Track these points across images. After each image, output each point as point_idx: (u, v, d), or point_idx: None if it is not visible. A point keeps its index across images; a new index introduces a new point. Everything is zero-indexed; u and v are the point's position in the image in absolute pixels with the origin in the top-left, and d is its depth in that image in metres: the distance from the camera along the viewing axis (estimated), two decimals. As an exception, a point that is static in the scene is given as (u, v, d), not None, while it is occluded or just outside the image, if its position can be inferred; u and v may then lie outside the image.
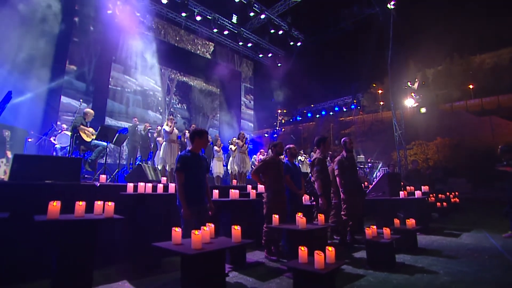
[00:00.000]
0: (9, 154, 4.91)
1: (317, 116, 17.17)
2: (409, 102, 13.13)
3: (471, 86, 28.84)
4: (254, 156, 12.45)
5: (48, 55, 9.64)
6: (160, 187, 3.94)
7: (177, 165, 3.03)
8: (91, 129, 5.70)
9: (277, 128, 17.92)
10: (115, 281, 3.07)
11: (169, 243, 2.38)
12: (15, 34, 8.69)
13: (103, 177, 3.81)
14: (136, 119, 9.01)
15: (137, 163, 9.22)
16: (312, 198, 4.46)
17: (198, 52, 14.51)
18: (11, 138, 5.05)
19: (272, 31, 14.03)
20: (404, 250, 4.01)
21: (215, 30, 13.62)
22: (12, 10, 8.65)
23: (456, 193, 10.74)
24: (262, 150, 10.49)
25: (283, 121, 20.44)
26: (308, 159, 11.12)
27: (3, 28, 8.41)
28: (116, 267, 3.48)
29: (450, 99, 26.05)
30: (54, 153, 8.16)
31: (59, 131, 8.34)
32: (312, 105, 35.07)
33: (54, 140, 8.15)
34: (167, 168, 5.91)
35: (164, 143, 6.04)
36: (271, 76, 16.13)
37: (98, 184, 3.57)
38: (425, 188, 6.30)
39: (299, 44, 15.48)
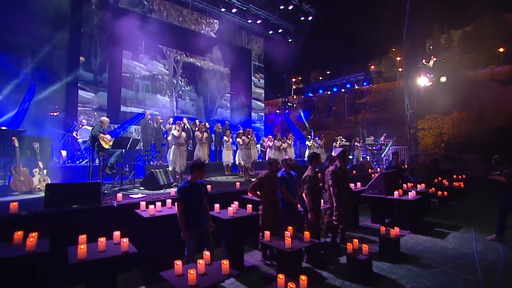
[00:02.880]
0: (41, 164, 5.60)
1: (329, 92, 16.89)
2: (423, 81, 12.68)
3: (501, 50, 26.72)
4: (264, 138, 12.87)
5: (63, 50, 10.02)
6: (168, 202, 4.52)
7: (177, 196, 3.53)
8: (108, 136, 6.27)
9: (289, 104, 17.86)
10: (135, 286, 3.80)
11: (172, 272, 2.96)
12: (32, 32, 9.09)
13: (119, 196, 4.41)
14: (147, 112, 9.51)
15: (152, 151, 9.90)
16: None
17: (202, 31, 14.30)
18: (40, 149, 5.71)
19: (282, 7, 13.48)
20: (386, 257, 4.48)
21: (222, 10, 13.27)
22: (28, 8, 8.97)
23: (463, 176, 10.85)
24: (270, 136, 10.84)
25: (294, 97, 20.20)
26: (316, 142, 11.35)
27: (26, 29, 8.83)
28: (135, 270, 4.20)
29: (476, 65, 24.41)
30: (78, 147, 8.96)
31: (80, 125, 9.04)
32: (326, 76, 34.07)
33: (76, 134, 8.89)
34: (177, 169, 6.48)
35: (173, 146, 6.53)
36: (281, 52, 15.77)
37: (116, 205, 4.18)
38: (421, 186, 6.57)
39: (310, 18, 14.82)
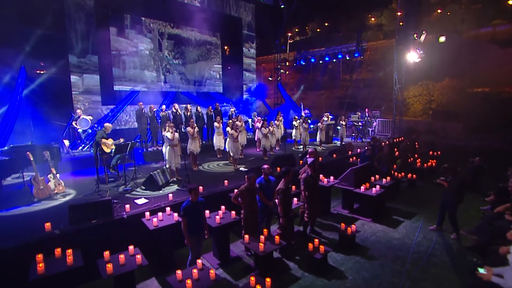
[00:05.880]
0: (54, 170, 6.64)
1: (321, 62, 17.10)
2: (412, 56, 13.08)
3: (511, 2, 25.71)
4: (254, 113, 13.75)
5: (50, 34, 10.24)
6: (168, 209, 5.73)
7: (181, 212, 4.71)
8: (110, 141, 7.22)
9: (282, 70, 18.16)
10: (147, 278, 5.20)
11: (174, 278, 4.27)
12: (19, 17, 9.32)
13: (127, 207, 5.59)
14: (141, 103, 10.20)
15: (148, 134, 10.84)
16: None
17: (185, 0, 13.97)
18: (51, 156, 6.69)
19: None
20: (342, 248, 5.87)
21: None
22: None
23: (438, 152, 12.09)
24: (259, 118, 11.73)
25: (287, 63, 20.24)
26: (309, 114, 12.27)
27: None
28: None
29: (480, 21, 23.88)
30: (78, 136, 9.89)
31: (78, 116, 9.85)
32: (324, 28, 32.95)
33: (76, 124, 9.75)
34: (173, 167, 7.59)
35: (168, 147, 7.52)
36: (273, 19, 15.60)
37: (126, 216, 5.39)
38: (386, 180, 7.79)
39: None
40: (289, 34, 31.84)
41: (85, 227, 5.00)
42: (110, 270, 4.10)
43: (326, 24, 33.04)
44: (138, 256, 4.41)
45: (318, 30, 34.25)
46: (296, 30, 35.36)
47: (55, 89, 10.72)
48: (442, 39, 21.72)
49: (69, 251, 4.33)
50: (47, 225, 4.77)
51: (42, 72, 10.66)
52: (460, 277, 4.91)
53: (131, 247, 4.61)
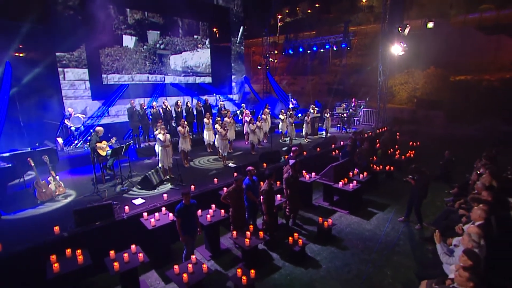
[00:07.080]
0: (53, 173, 7.23)
1: (309, 52, 17.50)
2: (396, 49, 13.66)
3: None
4: (243, 105, 14.32)
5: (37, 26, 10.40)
6: (163, 209, 6.47)
7: (175, 214, 5.45)
8: (104, 143, 7.79)
9: (271, 59, 18.52)
10: (147, 271, 6.00)
11: (172, 271, 5.07)
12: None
13: (126, 209, 6.29)
14: (132, 101, 10.63)
15: (141, 135, 11.38)
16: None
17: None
18: (50, 160, 7.25)
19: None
20: (320, 240, 6.76)
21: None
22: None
23: (418, 143, 13.00)
24: (248, 112, 12.32)
25: (279, 42, 20.43)
26: (297, 105, 12.91)
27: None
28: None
29: (468, 6, 24.35)
30: (71, 133, 10.38)
31: (70, 114, 10.29)
32: (314, 9, 32.87)
33: (68, 122, 10.21)
34: (165, 166, 8.25)
35: (160, 148, 8.13)
36: (262, 8, 15.79)
37: (126, 217, 6.11)
38: (363, 175, 8.64)
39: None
40: (279, 16, 31.78)
41: (89, 229, 5.71)
42: (117, 268, 4.86)
43: (317, 5, 32.99)
44: (140, 254, 5.17)
45: (308, 11, 34.19)
46: (287, 11, 35.21)
47: (44, 86, 11.01)
48: (430, 25, 22.19)
49: (79, 251, 5.05)
50: (56, 228, 5.45)
51: (22, 55, 10.68)
52: (417, 264, 5.86)
53: (133, 246, 5.35)
